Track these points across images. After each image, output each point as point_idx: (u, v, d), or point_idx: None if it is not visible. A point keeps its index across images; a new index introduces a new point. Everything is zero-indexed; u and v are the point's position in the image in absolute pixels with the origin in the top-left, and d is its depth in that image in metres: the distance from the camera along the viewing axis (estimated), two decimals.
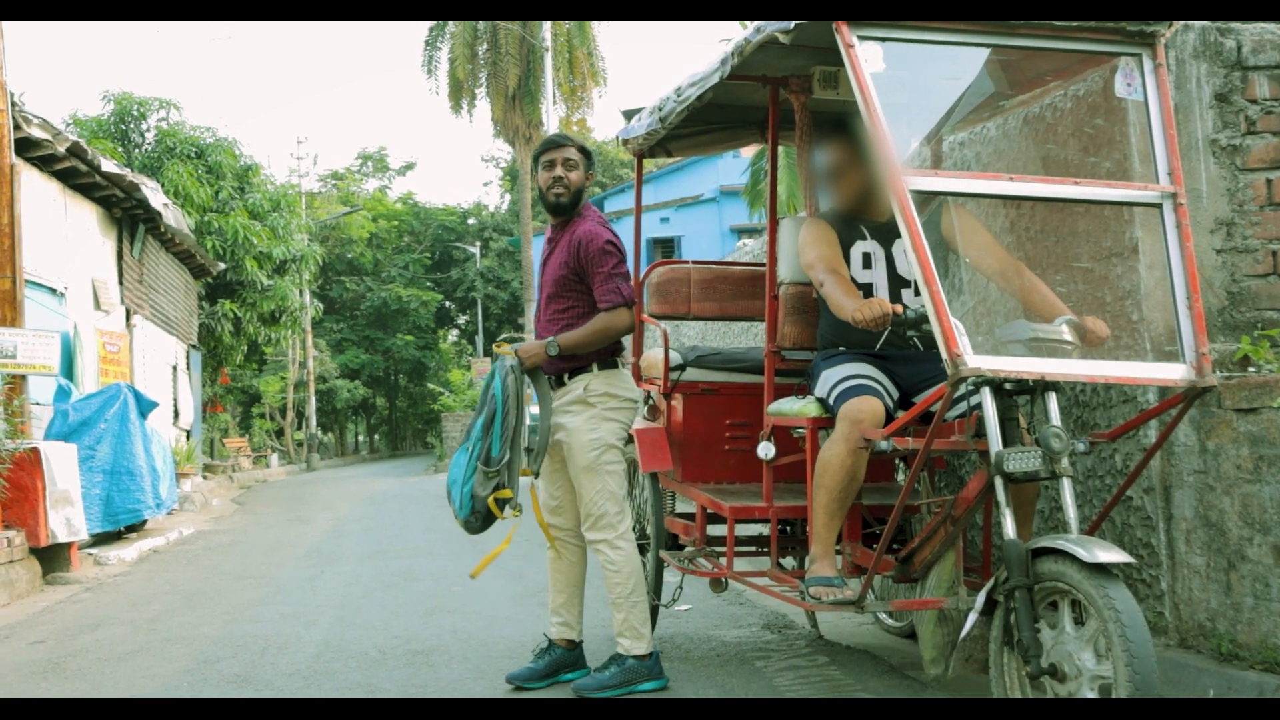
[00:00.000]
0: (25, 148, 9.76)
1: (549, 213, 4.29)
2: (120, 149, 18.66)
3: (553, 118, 25.06)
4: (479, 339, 41.99)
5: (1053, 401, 3.19)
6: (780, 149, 4.78)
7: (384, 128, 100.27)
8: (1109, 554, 2.83)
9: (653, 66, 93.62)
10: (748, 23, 17.56)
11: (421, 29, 48.47)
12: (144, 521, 10.43)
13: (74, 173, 11.33)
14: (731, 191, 28.54)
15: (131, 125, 19.73)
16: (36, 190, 10.52)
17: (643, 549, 4.93)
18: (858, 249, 4.10)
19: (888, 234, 4.05)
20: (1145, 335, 3.63)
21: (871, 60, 3.17)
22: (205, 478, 17.97)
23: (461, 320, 48.64)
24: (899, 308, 3.52)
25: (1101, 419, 4.15)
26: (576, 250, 4.15)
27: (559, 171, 4.18)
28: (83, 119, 19.47)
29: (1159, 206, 3.26)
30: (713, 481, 4.79)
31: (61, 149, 10.41)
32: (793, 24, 3.34)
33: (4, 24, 8.46)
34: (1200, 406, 3.64)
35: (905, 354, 3.98)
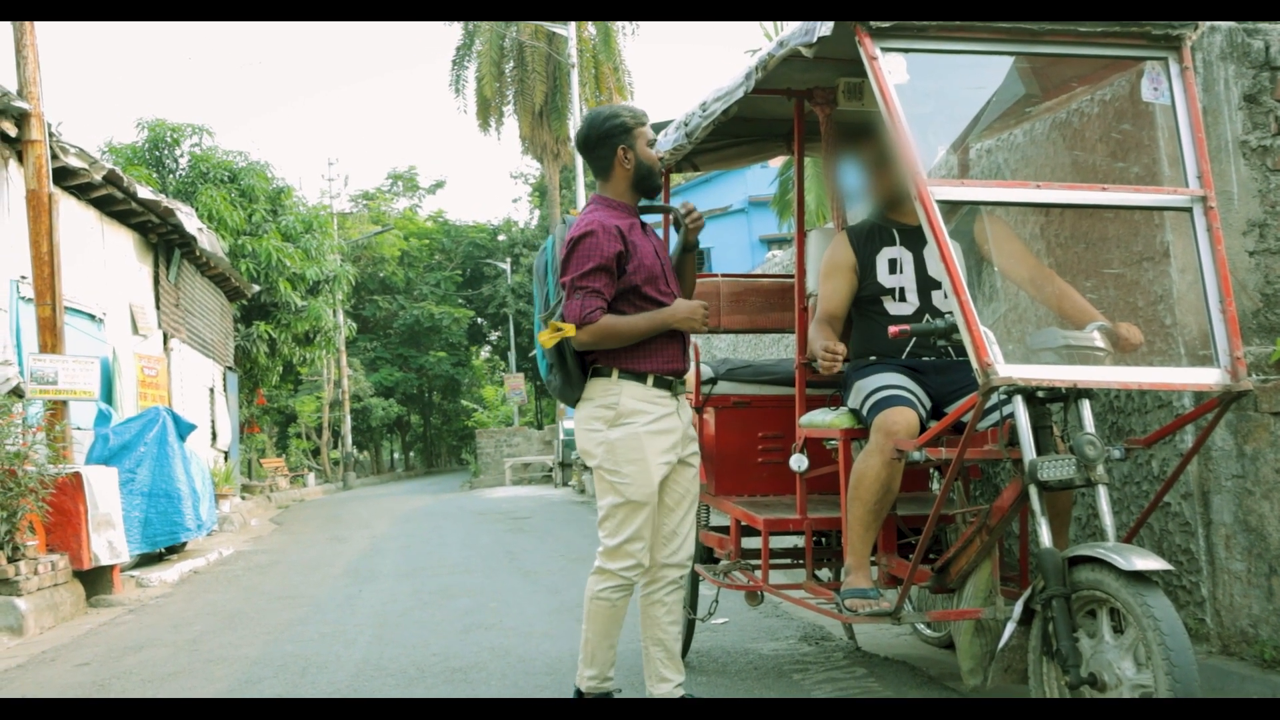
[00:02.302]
0: (63, 177, 9.92)
1: (649, 192, 3.80)
2: (155, 175, 18.93)
3: None
4: (511, 355, 42.15)
5: (1086, 408, 3.17)
6: (807, 159, 4.79)
7: (414, 147, 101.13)
8: (1147, 561, 2.81)
9: (678, 78, 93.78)
10: (772, 32, 17.46)
11: (449, 49, 48.89)
12: (184, 543, 10.54)
13: (110, 200, 11.50)
14: (760, 202, 28.52)
15: (165, 151, 19.99)
16: (74, 218, 10.69)
17: None
18: (884, 255, 4.09)
19: (919, 237, 4.03)
20: (1179, 340, 3.60)
21: (895, 72, 3.17)
22: (244, 498, 18.14)
23: (493, 336, 48.84)
24: (902, 328, 3.54)
25: (1137, 424, 4.12)
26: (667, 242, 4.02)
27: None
28: (118, 146, 19.76)
29: (1189, 210, 3.25)
30: (746, 494, 4.79)
31: (98, 177, 10.58)
32: (815, 37, 3.35)
33: (40, 55, 8.62)
34: (1236, 410, 3.61)
35: (938, 363, 3.96)
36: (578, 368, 3.72)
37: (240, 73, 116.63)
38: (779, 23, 20.45)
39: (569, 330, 3.62)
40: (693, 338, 4.96)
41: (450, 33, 48.36)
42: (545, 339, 3.70)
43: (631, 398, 3.63)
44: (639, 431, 3.61)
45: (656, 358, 3.70)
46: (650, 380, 3.66)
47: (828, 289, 4.16)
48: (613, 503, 3.63)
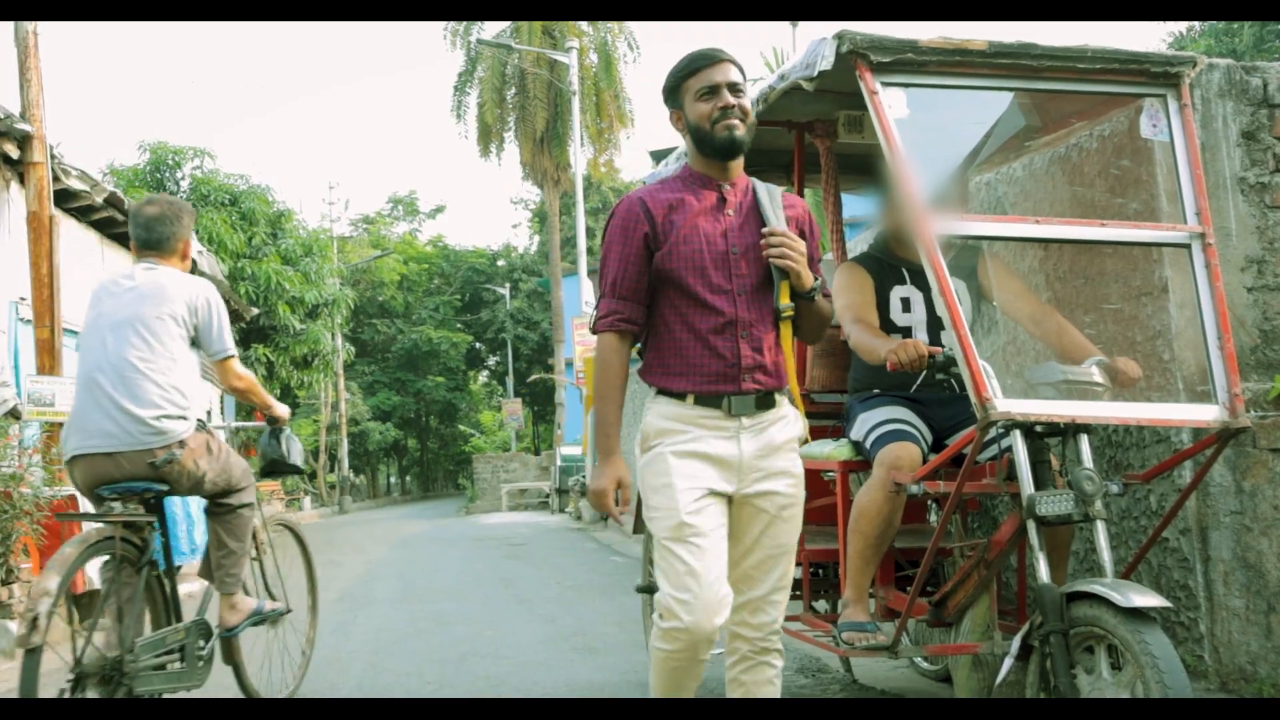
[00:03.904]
0: (64, 199, 9.94)
1: (715, 154, 2.94)
2: None
3: (580, 159, 25.26)
4: (509, 380, 42.18)
5: (1084, 443, 3.17)
6: (807, 191, 4.81)
7: (414, 172, 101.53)
8: (1145, 598, 2.80)
9: None
10: (773, 63, 17.53)
11: (451, 75, 49.15)
12: (179, 567, 10.48)
13: (111, 222, 11.52)
14: None
15: (167, 174, 20.06)
16: (75, 240, 10.70)
17: None
18: (896, 293, 4.05)
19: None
20: (1177, 375, 3.61)
21: (895, 106, 3.19)
22: None
23: (492, 361, 48.92)
24: (936, 349, 3.52)
25: (1135, 459, 4.11)
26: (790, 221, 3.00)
27: (727, 98, 2.90)
28: (120, 169, 19.83)
29: (1188, 247, 3.26)
30: None
31: (99, 200, 10.60)
32: (816, 71, 3.37)
33: (43, 76, 8.66)
34: (1235, 446, 3.61)
35: (939, 396, 3.96)
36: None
37: (242, 97, 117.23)
38: (780, 52, 20.57)
39: (589, 370, 3.30)
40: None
41: (453, 59, 48.67)
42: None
43: (661, 416, 2.95)
44: (664, 453, 2.90)
45: (696, 374, 2.92)
46: (690, 400, 2.92)
47: (856, 298, 3.97)
48: (654, 543, 2.97)
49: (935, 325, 4.03)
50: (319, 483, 36.32)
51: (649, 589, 5.15)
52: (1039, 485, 3.11)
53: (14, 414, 8.32)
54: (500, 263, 47.68)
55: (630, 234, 2.92)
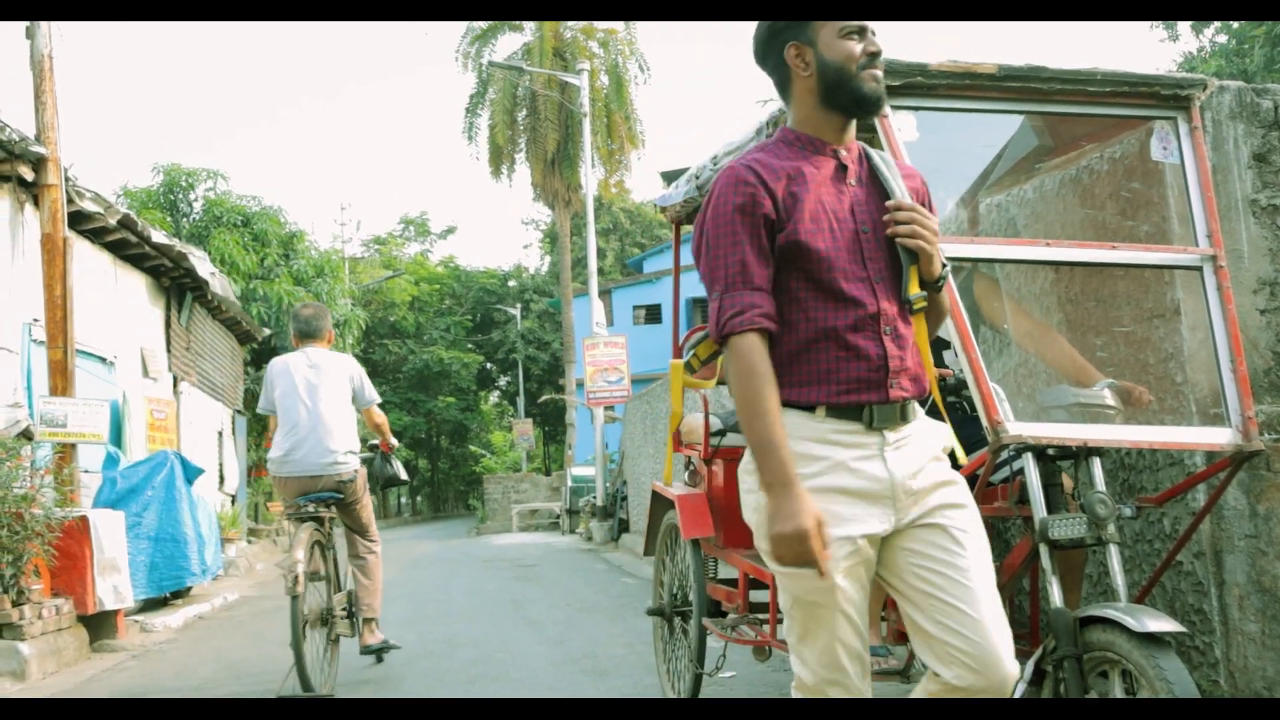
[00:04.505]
0: (78, 220, 10.01)
1: (853, 106, 2.41)
2: (169, 219, 19.12)
3: (591, 181, 25.35)
4: (520, 400, 42.18)
5: (1096, 466, 3.15)
6: None
7: (426, 193, 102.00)
8: (1159, 623, 2.78)
9: (690, 128, 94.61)
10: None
11: (463, 97, 49.49)
12: (189, 587, 10.50)
13: (124, 244, 11.59)
14: None
15: (180, 195, 20.22)
16: (88, 261, 10.77)
17: (685, 616, 4.90)
18: None
19: None
20: (1189, 398, 3.59)
21: (905, 129, 3.20)
22: (250, 542, 18.07)
23: (503, 382, 48.95)
24: (947, 371, 3.51)
25: (1148, 482, 4.09)
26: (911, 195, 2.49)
27: (875, 43, 2.41)
28: (133, 190, 19.99)
29: (1199, 269, 3.25)
30: (754, 547, 4.75)
31: (113, 221, 10.67)
32: None
33: (59, 100, 8.73)
34: (1249, 469, 3.59)
35: (954, 417, 3.94)
36: None
37: (255, 114, 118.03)
38: None
39: (674, 375, 2.65)
40: (702, 389, 4.95)
41: (464, 81, 48.94)
42: (674, 381, 2.74)
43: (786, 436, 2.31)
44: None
45: (831, 381, 2.36)
46: (821, 412, 2.36)
47: None
48: (784, 602, 2.44)
49: (938, 344, 4.03)
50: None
51: (660, 611, 5.13)
52: (1051, 509, 3.10)
53: (26, 435, 8.35)
54: (511, 283, 47.80)
55: (750, 211, 2.34)
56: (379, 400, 6.46)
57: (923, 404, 2.52)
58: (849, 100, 2.39)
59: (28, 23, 8.58)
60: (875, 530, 2.33)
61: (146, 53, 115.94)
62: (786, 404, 2.36)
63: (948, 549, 2.34)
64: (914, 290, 2.41)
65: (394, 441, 6.65)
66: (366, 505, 6.32)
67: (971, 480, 3.27)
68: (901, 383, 2.39)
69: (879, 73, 2.40)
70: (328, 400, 6.09)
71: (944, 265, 2.47)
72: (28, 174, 8.87)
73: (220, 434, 17.20)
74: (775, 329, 2.34)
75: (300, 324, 6.31)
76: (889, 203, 2.39)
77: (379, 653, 6.42)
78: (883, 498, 2.34)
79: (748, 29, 2.56)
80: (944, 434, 2.46)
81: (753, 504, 2.43)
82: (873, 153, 2.50)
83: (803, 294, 2.36)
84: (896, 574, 2.38)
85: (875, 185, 2.44)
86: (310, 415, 6.04)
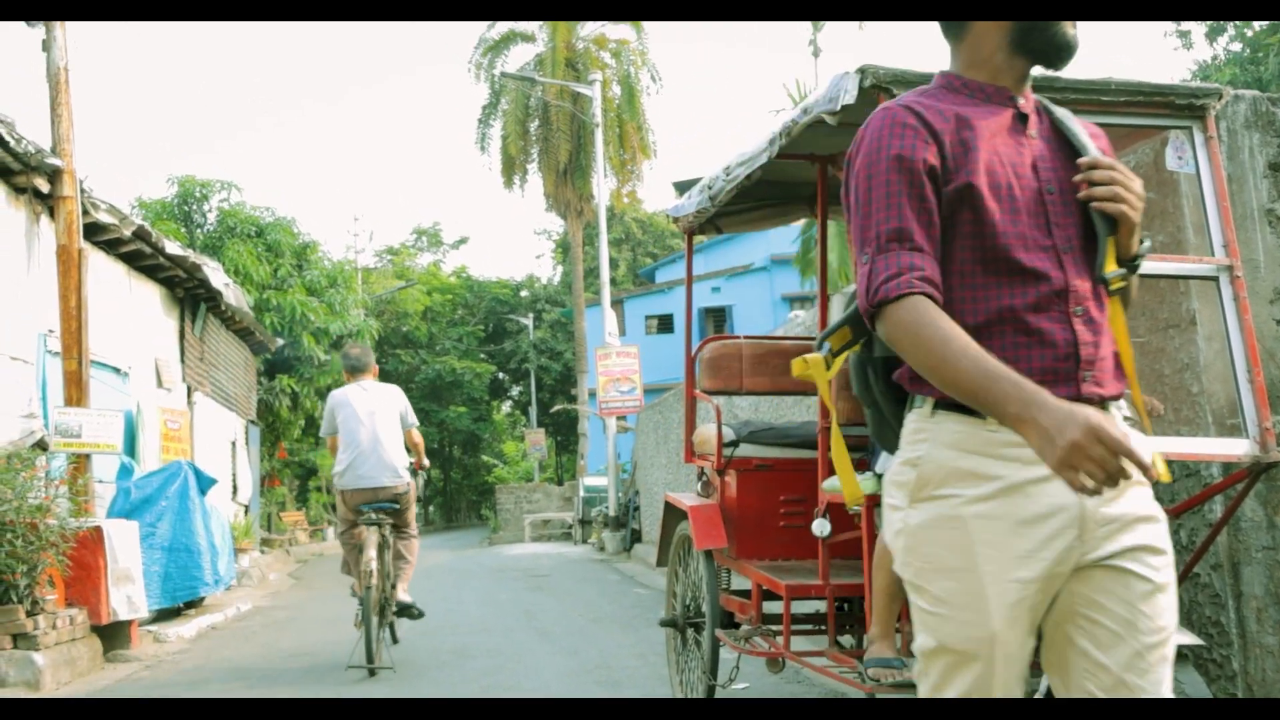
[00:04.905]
0: (93, 232, 10.05)
1: (1046, 50, 1.98)
2: (183, 229, 19.19)
3: (603, 191, 25.38)
4: (532, 410, 42.19)
5: None
6: (830, 222, 4.80)
7: (438, 203, 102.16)
8: (1176, 636, 2.76)
9: (702, 138, 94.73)
10: (796, 95, 17.66)
11: (475, 107, 49.65)
12: (203, 598, 10.52)
13: (139, 255, 11.64)
14: (782, 260, 28.64)
15: (194, 206, 20.29)
16: (103, 272, 10.81)
17: (698, 627, 4.89)
18: None
19: None
20: (1206, 408, 3.57)
21: None
22: (263, 552, 18.11)
23: (515, 392, 48.94)
24: None
25: (1164, 492, 4.07)
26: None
27: None
28: (148, 201, 20.07)
29: (1215, 279, 3.23)
30: (768, 558, 4.75)
31: (127, 233, 10.72)
32: (840, 105, 3.38)
33: (74, 112, 8.78)
34: (1266, 481, 3.57)
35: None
36: (889, 393, 2.13)
37: (268, 131, 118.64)
38: (802, 84, 20.64)
39: (815, 370, 2.27)
40: (714, 399, 4.95)
41: (477, 91, 49.04)
42: (796, 369, 2.36)
43: (945, 445, 1.91)
44: (962, 514, 1.87)
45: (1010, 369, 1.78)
46: (994, 418, 1.79)
47: None
48: (923, 645, 1.94)
49: None
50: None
51: (673, 622, 5.12)
52: None
53: (41, 445, 8.38)
54: (523, 293, 47.81)
55: (909, 158, 1.91)
56: (417, 423, 7.69)
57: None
58: (1046, 43, 1.97)
59: (44, 35, 8.64)
60: (1057, 568, 1.84)
61: (162, 64, 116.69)
62: (945, 406, 1.90)
63: (1134, 606, 1.86)
64: (1111, 267, 1.94)
65: (426, 462, 7.78)
66: (413, 508, 7.54)
67: None
68: (1097, 376, 1.91)
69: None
70: (384, 423, 7.27)
71: (1142, 241, 2.01)
72: (43, 186, 8.92)
73: (234, 444, 17.24)
74: (939, 298, 1.86)
75: (351, 361, 7.67)
76: (1082, 159, 1.95)
77: (408, 611, 7.30)
78: (1066, 530, 1.84)
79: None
80: (1149, 447, 1.75)
81: (897, 523, 1.98)
82: (1053, 106, 2.08)
83: (970, 265, 1.91)
84: (1061, 618, 1.90)
85: (1061, 141, 2.02)
86: (370, 437, 7.19)
